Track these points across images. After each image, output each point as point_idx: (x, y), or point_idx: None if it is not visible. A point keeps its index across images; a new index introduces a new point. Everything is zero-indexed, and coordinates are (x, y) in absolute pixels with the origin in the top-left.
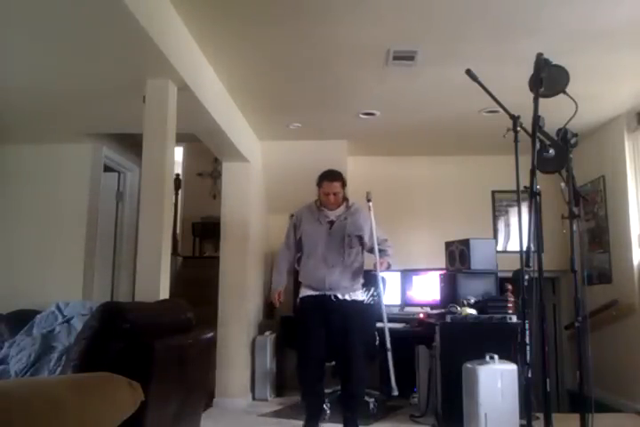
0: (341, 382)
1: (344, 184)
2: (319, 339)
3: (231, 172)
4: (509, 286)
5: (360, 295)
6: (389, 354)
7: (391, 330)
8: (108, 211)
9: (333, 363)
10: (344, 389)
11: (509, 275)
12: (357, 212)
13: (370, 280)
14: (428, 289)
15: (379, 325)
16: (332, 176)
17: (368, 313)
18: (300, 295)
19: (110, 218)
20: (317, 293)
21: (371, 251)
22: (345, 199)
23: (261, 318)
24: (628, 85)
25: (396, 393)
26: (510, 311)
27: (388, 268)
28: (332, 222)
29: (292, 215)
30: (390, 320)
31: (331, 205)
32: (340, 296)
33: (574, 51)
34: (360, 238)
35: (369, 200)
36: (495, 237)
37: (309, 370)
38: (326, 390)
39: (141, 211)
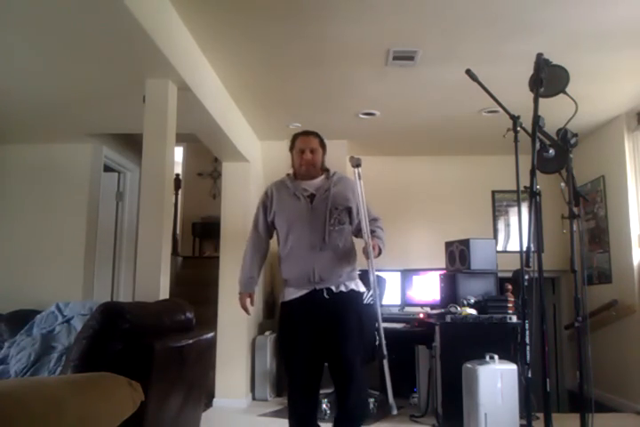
0: (338, 404)
1: (323, 145)
2: (311, 365)
3: (231, 172)
4: (509, 286)
5: (360, 286)
6: (386, 363)
7: (391, 330)
8: (108, 211)
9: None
10: (340, 411)
11: (509, 275)
12: (341, 180)
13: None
14: (428, 289)
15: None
16: (306, 132)
17: (363, 307)
18: (282, 299)
19: (110, 218)
20: (303, 291)
21: (358, 233)
22: (325, 169)
23: (261, 318)
24: (627, 85)
25: (395, 412)
26: (510, 311)
27: (379, 254)
28: (312, 196)
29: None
30: (390, 320)
31: (307, 166)
32: (334, 289)
33: (574, 51)
34: (349, 211)
35: (357, 166)
36: (495, 237)
37: (301, 407)
38: (325, 391)
39: (141, 211)
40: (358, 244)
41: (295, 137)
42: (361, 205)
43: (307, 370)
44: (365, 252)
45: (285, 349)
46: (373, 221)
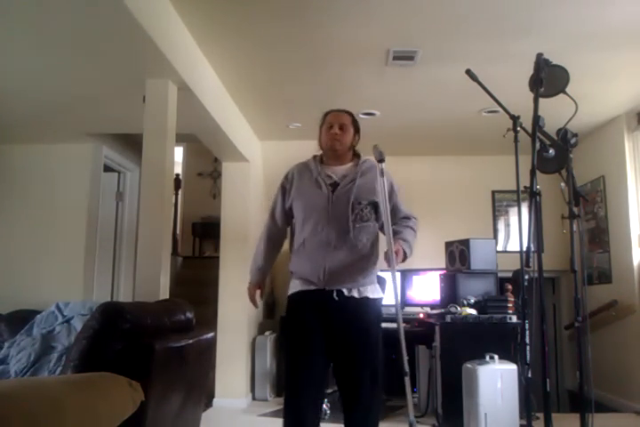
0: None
1: (356, 126)
2: (316, 371)
3: (231, 172)
4: (509, 286)
5: (377, 291)
6: (407, 380)
7: (391, 330)
8: (108, 211)
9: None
10: None
11: (509, 275)
12: (371, 170)
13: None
14: (428, 289)
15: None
16: (339, 110)
17: (380, 319)
18: (289, 292)
19: (110, 218)
20: (313, 287)
21: (382, 230)
22: (355, 155)
23: (261, 318)
24: (627, 85)
25: None
26: (510, 311)
27: (404, 260)
28: (335, 185)
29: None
30: (390, 320)
31: (333, 142)
32: (345, 292)
33: (574, 51)
34: (375, 206)
35: (381, 161)
36: (495, 237)
37: (298, 408)
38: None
39: (141, 211)
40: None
41: (327, 113)
42: (385, 202)
43: (311, 367)
44: (387, 257)
45: (290, 348)
46: (405, 219)
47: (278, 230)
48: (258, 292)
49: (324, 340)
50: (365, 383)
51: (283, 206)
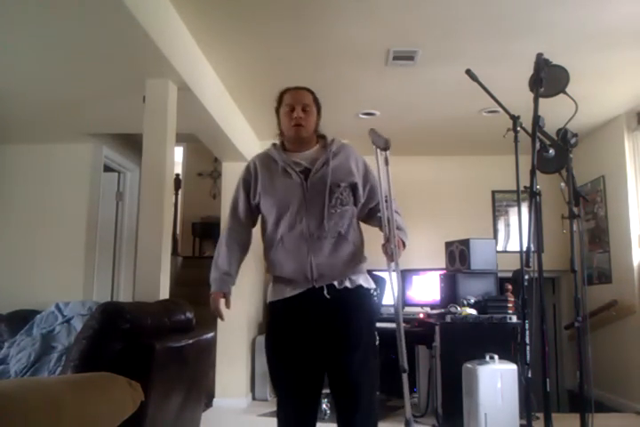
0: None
1: (318, 105)
2: (307, 384)
3: (231, 172)
4: (509, 286)
5: (370, 281)
6: (405, 377)
7: (391, 330)
8: (107, 211)
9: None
10: None
11: (509, 275)
12: (343, 150)
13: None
14: (428, 289)
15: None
16: (297, 87)
17: (373, 310)
18: (270, 299)
19: (110, 218)
20: (298, 291)
21: (368, 218)
22: (321, 136)
23: (261, 318)
24: (627, 85)
25: None
26: (510, 311)
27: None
28: (306, 171)
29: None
30: (390, 320)
31: (298, 128)
32: (336, 285)
33: (574, 51)
34: (353, 188)
35: (385, 149)
36: (495, 237)
37: None
38: (325, 390)
39: (141, 211)
40: (369, 233)
41: (283, 92)
42: (378, 189)
43: (302, 387)
44: (385, 250)
45: (273, 362)
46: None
47: (243, 230)
48: (222, 301)
49: (318, 343)
50: (366, 380)
51: (247, 203)
